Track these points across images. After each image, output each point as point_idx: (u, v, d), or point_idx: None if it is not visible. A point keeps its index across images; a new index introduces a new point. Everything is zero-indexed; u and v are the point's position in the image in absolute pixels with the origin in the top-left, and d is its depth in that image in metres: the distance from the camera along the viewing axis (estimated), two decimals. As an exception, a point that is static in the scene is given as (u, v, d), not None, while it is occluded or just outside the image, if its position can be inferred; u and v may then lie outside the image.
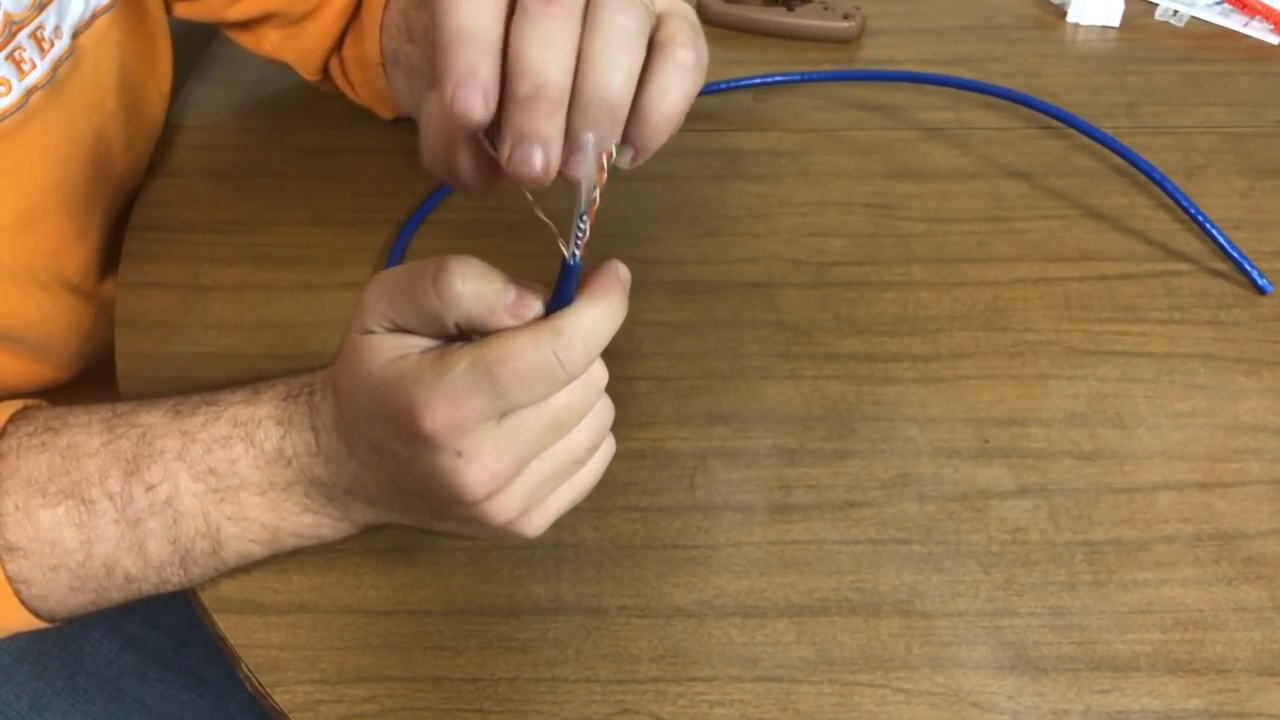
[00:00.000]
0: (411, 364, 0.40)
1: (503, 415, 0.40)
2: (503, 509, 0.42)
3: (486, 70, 0.37)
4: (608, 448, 0.45)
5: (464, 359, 0.39)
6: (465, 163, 0.41)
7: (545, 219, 0.40)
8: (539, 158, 0.37)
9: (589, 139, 0.38)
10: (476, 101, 0.37)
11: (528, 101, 0.37)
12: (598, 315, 0.40)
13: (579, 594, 0.50)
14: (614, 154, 0.38)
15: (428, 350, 0.41)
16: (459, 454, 0.40)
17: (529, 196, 0.40)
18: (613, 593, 0.50)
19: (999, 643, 0.49)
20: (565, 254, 0.39)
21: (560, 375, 0.39)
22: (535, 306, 0.40)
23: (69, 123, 0.58)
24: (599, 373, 0.42)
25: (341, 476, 0.46)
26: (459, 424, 0.39)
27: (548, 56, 0.37)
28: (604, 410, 0.43)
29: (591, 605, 0.50)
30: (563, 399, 0.41)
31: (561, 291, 0.40)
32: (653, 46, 0.39)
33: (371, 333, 0.42)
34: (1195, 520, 0.52)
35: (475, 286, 0.39)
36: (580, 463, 0.44)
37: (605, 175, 0.38)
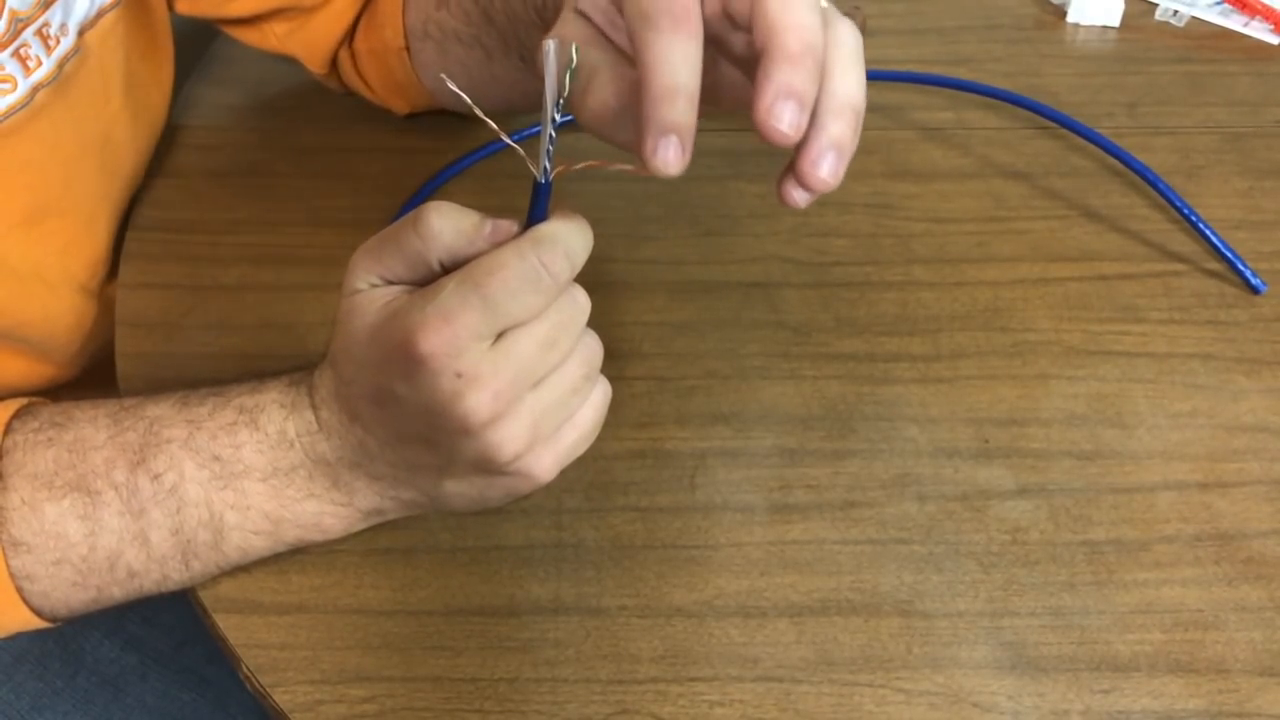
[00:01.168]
0: (402, 302, 0.42)
1: (496, 335, 0.41)
2: (509, 437, 0.42)
3: (687, 128, 0.38)
4: (605, 389, 0.45)
5: (451, 280, 0.40)
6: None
7: (512, 142, 0.41)
8: (795, 114, 0.38)
9: (550, 44, 0.38)
10: (674, 159, 0.38)
11: (800, 58, 0.38)
12: (572, 227, 0.41)
13: (579, 594, 0.50)
14: (574, 60, 0.39)
15: (416, 289, 0.42)
16: (458, 375, 0.40)
17: (493, 124, 0.41)
18: (613, 593, 0.50)
19: (999, 643, 0.49)
20: (535, 174, 0.40)
21: (546, 281, 0.40)
22: (512, 231, 0.41)
23: (76, 120, 0.58)
24: (582, 296, 0.43)
25: (345, 448, 0.46)
26: (453, 341, 0.40)
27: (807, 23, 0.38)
28: (592, 342, 0.44)
29: (591, 605, 0.50)
30: (552, 315, 0.41)
31: (534, 212, 0.41)
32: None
33: (360, 291, 0.43)
34: (1195, 520, 0.52)
35: (453, 222, 0.41)
36: (579, 393, 0.44)
37: (567, 89, 0.39)
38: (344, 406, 0.45)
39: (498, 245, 0.41)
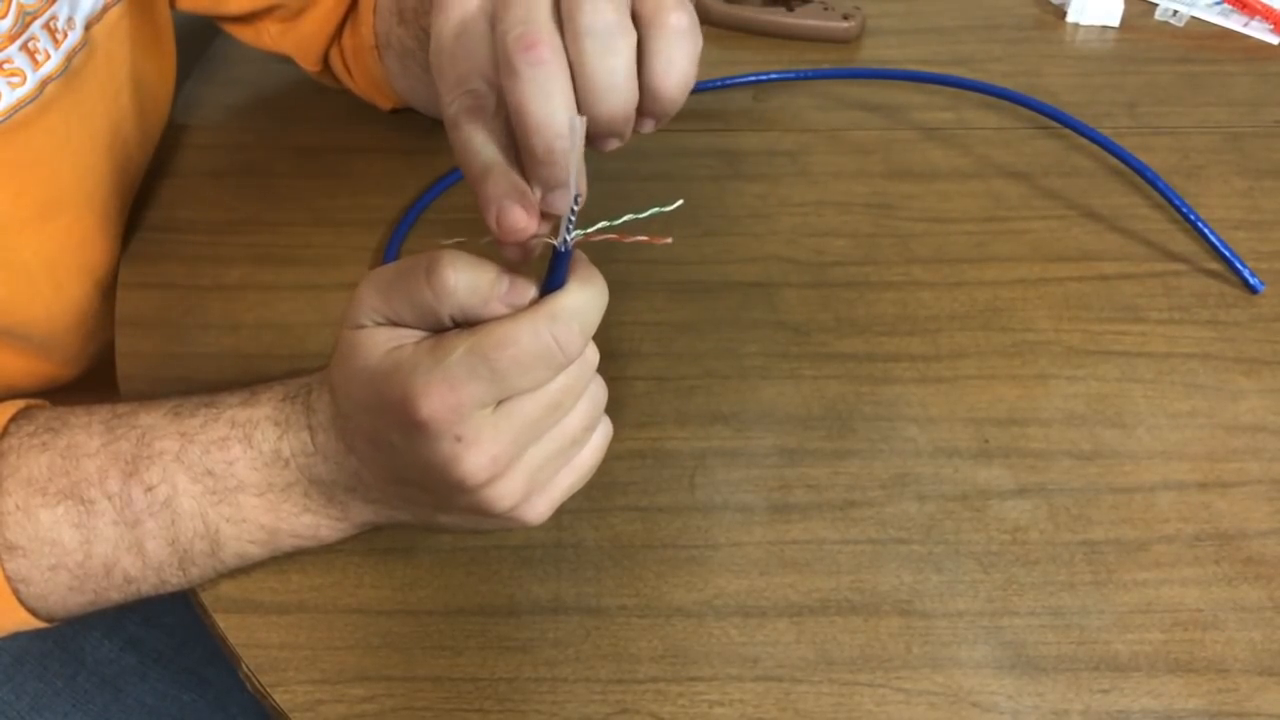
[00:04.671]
0: (407, 353, 0.41)
1: (500, 401, 0.40)
2: (505, 494, 0.42)
3: (515, 190, 0.39)
4: (605, 429, 0.45)
5: (460, 345, 0.39)
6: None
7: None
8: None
9: (575, 121, 0.37)
10: (520, 219, 0.39)
11: (547, 157, 0.38)
12: (589, 296, 0.40)
13: (579, 594, 0.50)
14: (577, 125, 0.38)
15: (424, 339, 0.41)
16: (458, 439, 0.40)
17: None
18: (613, 593, 0.50)
19: (999, 643, 0.49)
20: (555, 241, 0.39)
21: (559, 359, 0.39)
22: (529, 293, 0.40)
23: (85, 114, 0.58)
24: (591, 353, 0.42)
25: (341, 474, 0.46)
26: (456, 409, 0.39)
27: (549, 107, 0.38)
28: (598, 391, 0.43)
29: (591, 605, 0.50)
30: (559, 381, 0.41)
31: (552, 278, 0.40)
32: (642, 21, 0.39)
33: (364, 327, 0.42)
34: (1195, 520, 0.52)
35: (469, 278, 0.40)
36: (578, 443, 0.44)
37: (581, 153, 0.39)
38: (341, 436, 0.45)
39: (513, 306, 0.40)
